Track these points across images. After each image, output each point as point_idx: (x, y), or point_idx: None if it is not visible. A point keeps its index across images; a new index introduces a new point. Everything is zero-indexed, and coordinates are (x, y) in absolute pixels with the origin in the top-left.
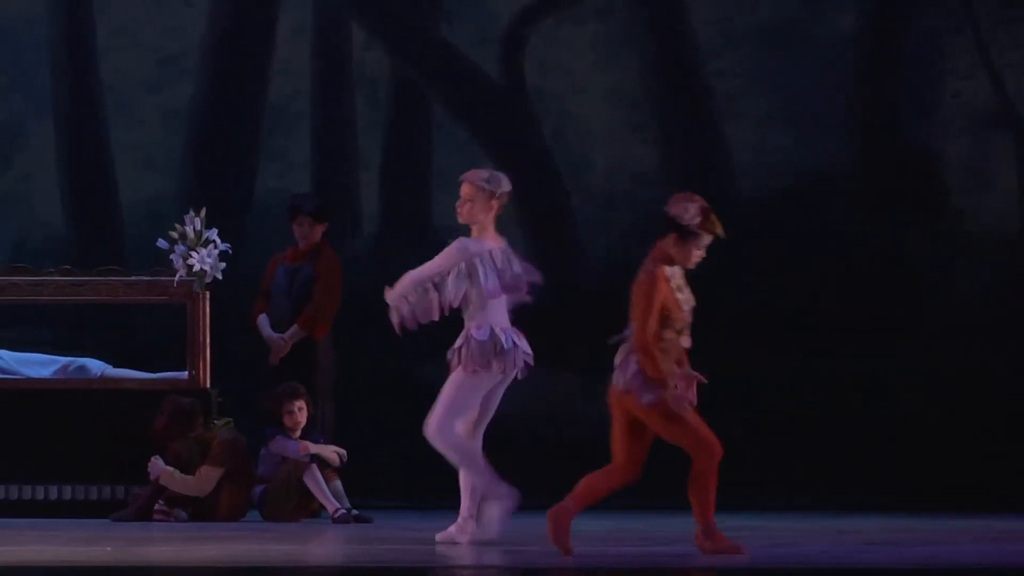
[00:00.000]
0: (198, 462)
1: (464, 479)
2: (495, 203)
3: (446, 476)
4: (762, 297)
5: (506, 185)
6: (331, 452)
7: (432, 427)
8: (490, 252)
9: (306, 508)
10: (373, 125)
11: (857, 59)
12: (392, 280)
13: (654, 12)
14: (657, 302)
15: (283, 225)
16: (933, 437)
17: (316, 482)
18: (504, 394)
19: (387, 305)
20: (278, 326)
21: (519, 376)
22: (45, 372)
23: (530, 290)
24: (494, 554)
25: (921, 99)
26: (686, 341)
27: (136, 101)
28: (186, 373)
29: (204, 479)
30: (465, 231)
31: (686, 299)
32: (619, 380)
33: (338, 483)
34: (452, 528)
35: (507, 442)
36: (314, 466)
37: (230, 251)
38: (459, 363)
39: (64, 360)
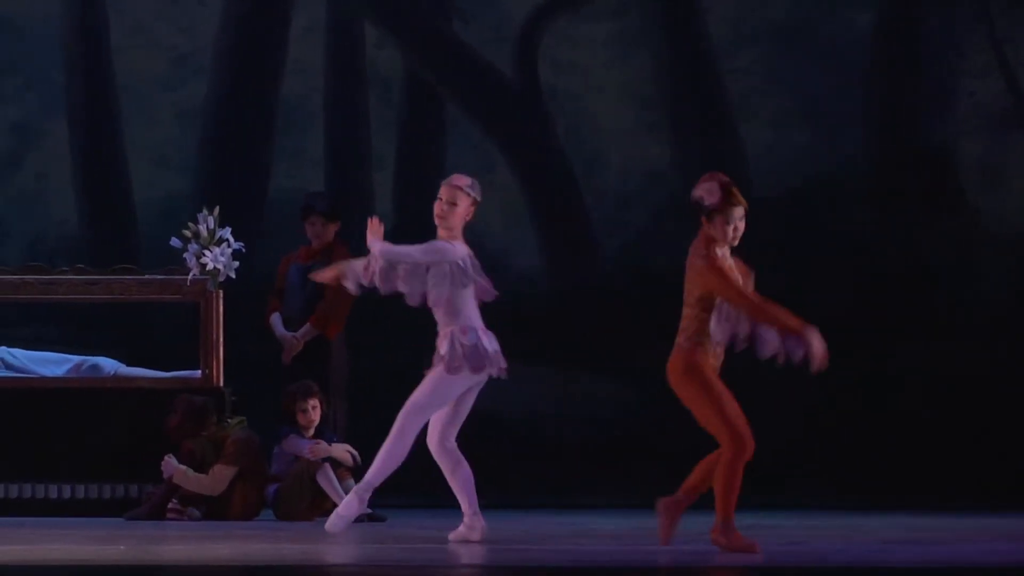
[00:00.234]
0: (211, 461)
1: (452, 480)
2: (472, 209)
3: None
4: (777, 296)
5: (480, 194)
6: (344, 451)
7: (400, 417)
8: (468, 257)
9: (319, 507)
10: (386, 124)
11: (872, 58)
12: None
13: (668, 11)
14: (728, 276)
15: (296, 224)
16: (950, 436)
17: (329, 481)
18: (517, 394)
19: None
20: (291, 325)
21: (498, 377)
22: (58, 371)
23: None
24: (506, 553)
25: (936, 98)
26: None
27: (150, 100)
28: (199, 372)
29: (217, 478)
30: (430, 233)
31: (737, 280)
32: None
33: (351, 482)
34: (462, 528)
35: (518, 441)
36: (327, 465)
37: (243, 250)
38: (445, 364)
39: (77, 359)
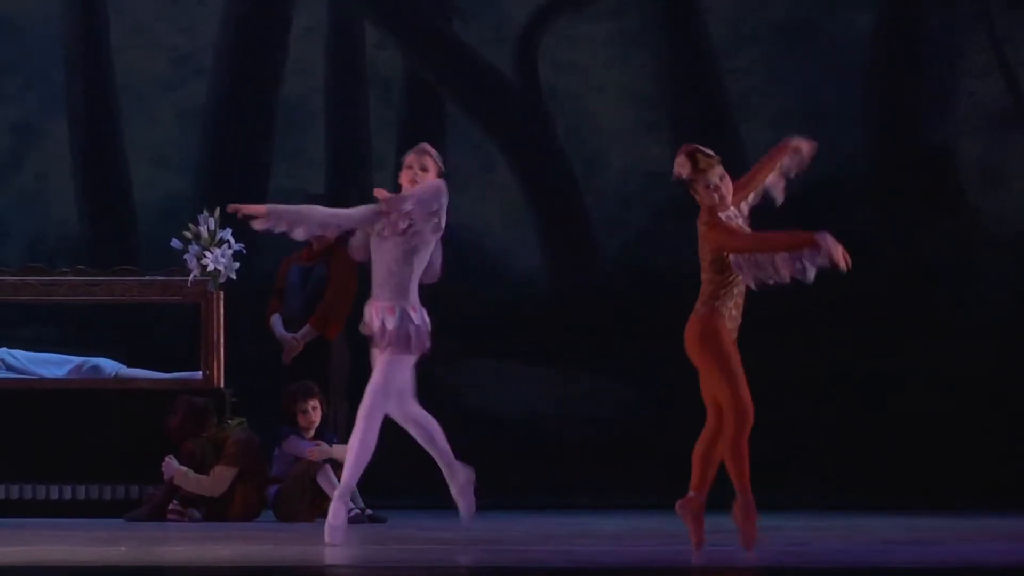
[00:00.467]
0: (212, 462)
1: (432, 445)
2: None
3: None
4: (776, 296)
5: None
6: (344, 452)
7: (365, 409)
8: None
9: (320, 508)
10: (387, 124)
11: (872, 58)
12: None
13: (668, 11)
14: (726, 227)
15: None
16: (950, 436)
17: (330, 482)
18: (517, 394)
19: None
20: (291, 326)
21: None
22: (59, 372)
23: None
24: (506, 553)
25: (937, 98)
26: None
27: (151, 100)
28: (200, 373)
29: (218, 479)
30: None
31: (738, 230)
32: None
33: None
34: (454, 486)
35: (518, 441)
36: (327, 466)
37: (244, 251)
38: (400, 345)
39: (78, 360)
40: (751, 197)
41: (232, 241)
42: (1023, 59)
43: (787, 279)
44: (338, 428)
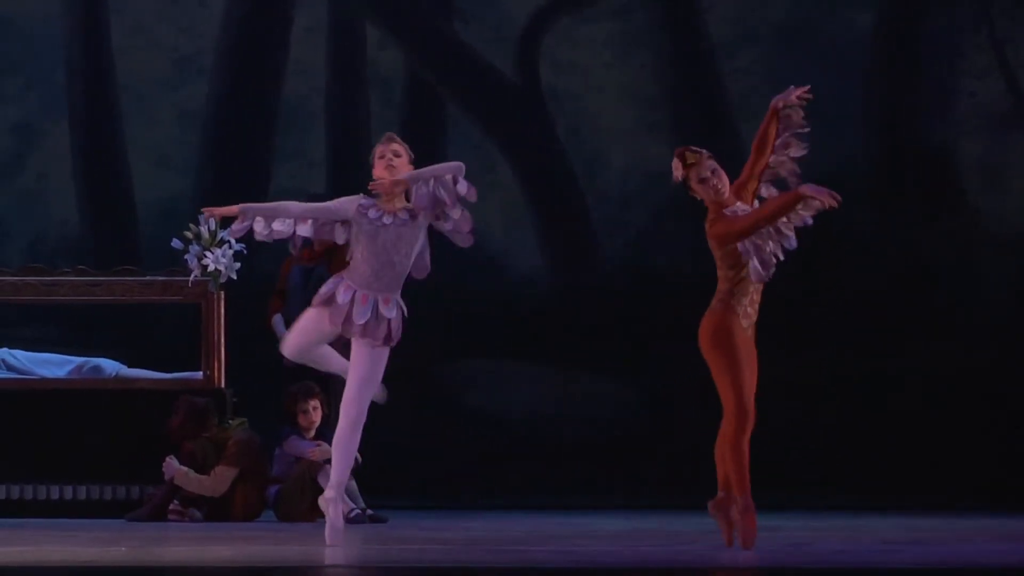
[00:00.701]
0: (212, 462)
1: (328, 363)
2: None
3: (460, 476)
4: (777, 295)
5: None
6: None
7: (354, 403)
8: None
9: (321, 508)
10: (388, 124)
11: (873, 58)
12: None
13: (669, 11)
14: (726, 219)
15: None
16: (950, 436)
17: None
18: (517, 394)
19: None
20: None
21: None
22: (60, 372)
23: None
24: (506, 553)
25: (937, 98)
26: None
27: (151, 101)
28: (201, 373)
29: (219, 479)
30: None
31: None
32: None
33: (353, 483)
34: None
35: (518, 441)
36: (328, 466)
37: (245, 251)
38: (391, 341)
39: (79, 360)
40: (761, 188)
41: (233, 241)
42: (1023, 60)
43: (794, 244)
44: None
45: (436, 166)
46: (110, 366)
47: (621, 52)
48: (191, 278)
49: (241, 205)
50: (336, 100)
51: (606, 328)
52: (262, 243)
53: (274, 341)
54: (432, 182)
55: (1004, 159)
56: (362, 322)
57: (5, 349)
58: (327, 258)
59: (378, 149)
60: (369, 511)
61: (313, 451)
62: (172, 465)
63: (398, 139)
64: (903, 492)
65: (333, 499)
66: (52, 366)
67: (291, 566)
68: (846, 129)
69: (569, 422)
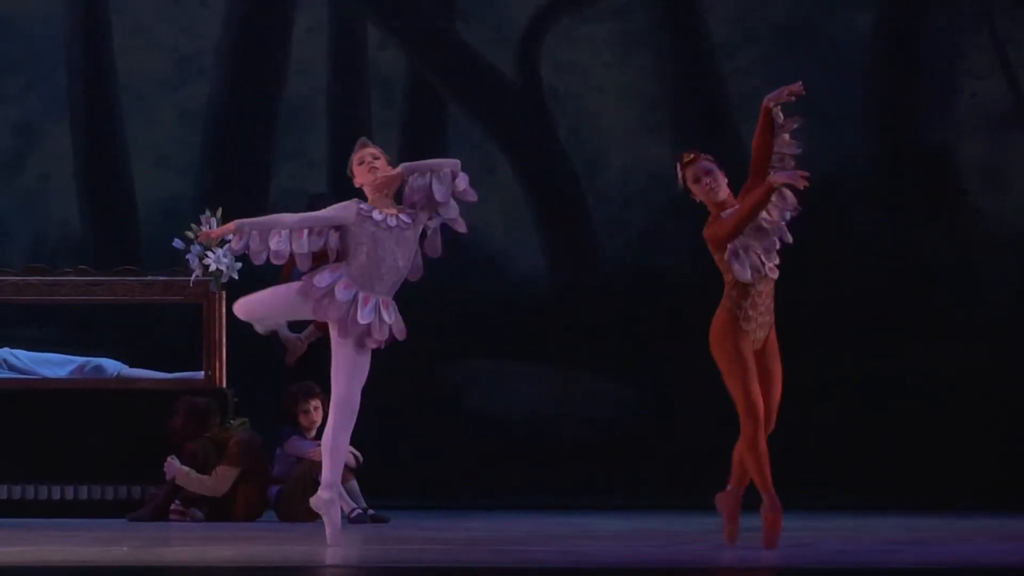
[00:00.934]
0: (214, 462)
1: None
2: None
3: (461, 476)
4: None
5: None
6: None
7: (346, 402)
8: None
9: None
10: (388, 125)
11: (873, 58)
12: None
13: (670, 11)
14: (715, 223)
15: None
16: (953, 436)
17: None
18: (517, 394)
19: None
20: (295, 326)
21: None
22: (61, 372)
23: None
24: (506, 553)
25: (937, 98)
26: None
27: (152, 101)
28: (202, 373)
29: (220, 479)
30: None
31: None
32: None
33: (354, 483)
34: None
35: (518, 441)
36: None
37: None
38: (392, 341)
39: (80, 360)
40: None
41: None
42: None
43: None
44: None
45: (433, 160)
46: (111, 366)
47: (622, 52)
48: (192, 278)
49: (236, 221)
50: (337, 100)
51: (606, 328)
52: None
53: (276, 341)
54: (428, 175)
55: (1004, 159)
56: (366, 323)
57: (7, 349)
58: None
59: (356, 156)
60: (371, 511)
61: (314, 451)
62: (173, 465)
63: (369, 142)
64: (903, 492)
65: (331, 499)
66: (53, 366)
67: (292, 566)
68: (846, 129)
69: (569, 422)
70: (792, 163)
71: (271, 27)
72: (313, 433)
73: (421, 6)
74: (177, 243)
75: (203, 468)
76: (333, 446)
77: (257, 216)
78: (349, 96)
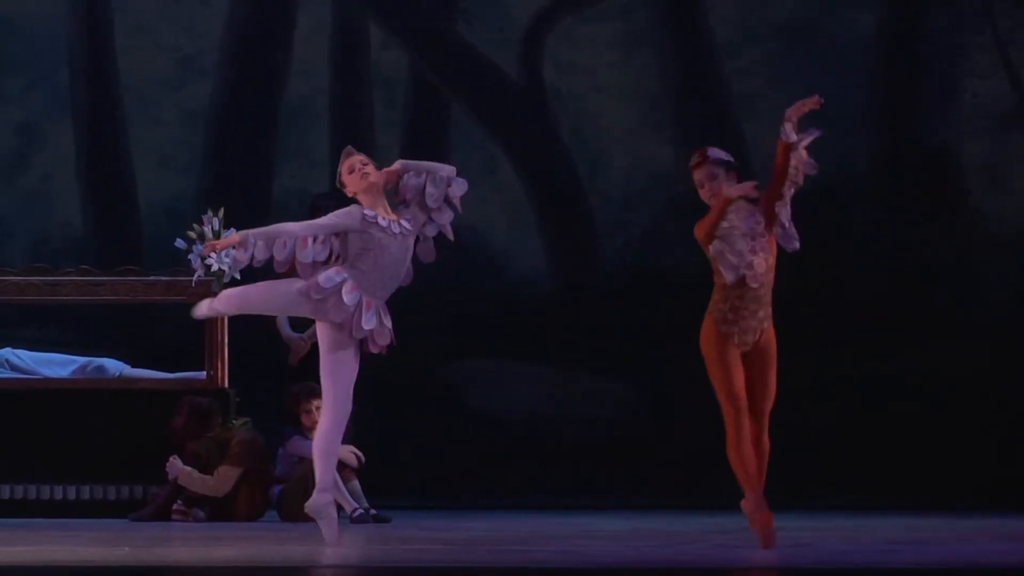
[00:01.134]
0: (216, 462)
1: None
2: None
3: (461, 476)
4: (779, 296)
5: None
6: (348, 452)
7: (343, 403)
8: None
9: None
10: (391, 124)
11: (875, 58)
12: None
13: (672, 11)
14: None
15: None
16: (953, 436)
17: (334, 482)
18: (517, 394)
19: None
20: (297, 325)
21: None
22: (63, 372)
23: None
24: (507, 553)
25: (939, 98)
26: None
27: (155, 101)
28: (204, 373)
29: (222, 479)
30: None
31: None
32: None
33: (356, 483)
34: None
35: (519, 441)
36: None
37: None
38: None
39: (82, 360)
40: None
41: None
42: None
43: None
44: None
45: (430, 163)
46: (113, 366)
47: (624, 52)
48: (194, 278)
49: (241, 233)
50: (339, 100)
51: (607, 328)
52: None
53: (278, 341)
54: (424, 175)
55: (1006, 159)
56: (371, 328)
57: (9, 349)
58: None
59: (344, 165)
60: (372, 511)
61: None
62: (176, 465)
63: (355, 150)
64: (903, 492)
65: (327, 502)
66: (56, 366)
67: (294, 566)
68: (848, 129)
69: (570, 422)
70: (800, 183)
71: (273, 27)
72: (315, 433)
73: (423, 6)
74: (179, 243)
75: (205, 468)
76: (325, 449)
77: (260, 221)
78: (351, 96)
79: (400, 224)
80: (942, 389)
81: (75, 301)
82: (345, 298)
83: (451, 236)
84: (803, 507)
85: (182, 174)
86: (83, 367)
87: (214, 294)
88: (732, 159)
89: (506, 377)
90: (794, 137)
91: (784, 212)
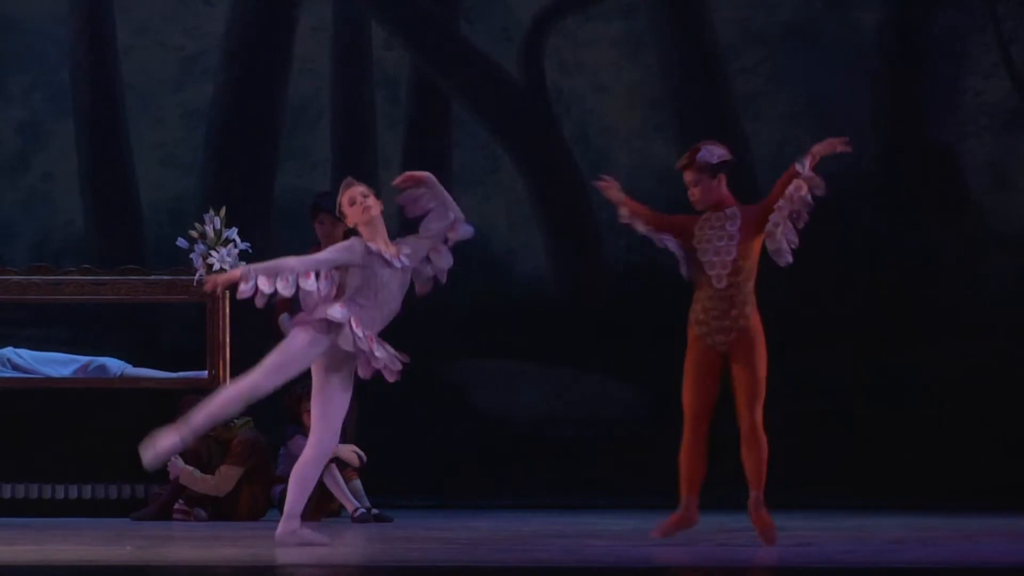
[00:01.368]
0: (217, 461)
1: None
2: None
3: (464, 475)
4: (784, 295)
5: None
6: (350, 452)
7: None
8: None
9: (326, 507)
10: (393, 123)
11: (879, 58)
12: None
13: (675, 11)
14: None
15: (303, 224)
16: (957, 435)
17: (336, 481)
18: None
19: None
20: None
21: None
22: (65, 371)
23: None
24: (509, 553)
25: (943, 98)
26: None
27: (157, 100)
28: (206, 372)
29: (224, 478)
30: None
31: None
32: None
33: (358, 482)
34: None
35: (522, 441)
36: (333, 466)
37: (250, 250)
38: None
39: (84, 359)
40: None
41: (238, 240)
42: None
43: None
44: (345, 428)
45: (451, 200)
46: (115, 365)
47: (627, 52)
48: (196, 277)
49: (242, 268)
50: (341, 99)
51: (610, 328)
52: (267, 241)
53: (280, 340)
54: (436, 203)
55: (1009, 158)
56: (384, 359)
57: (11, 348)
58: None
59: (344, 196)
60: (374, 510)
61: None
62: (177, 464)
63: (355, 180)
64: (906, 491)
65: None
66: (57, 365)
67: (296, 564)
68: (851, 128)
69: (573, 422)
70: (789, 213)
71: (275, 26)
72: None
73: (425, 5)
74: (181, 242)
75: (206, 467)
76: (302, 479)
77: (262, 221)
78: (353, 95)
79: (400, 259)
80: (945, 387)
81: (77, 300)
82: (357, 330)
83: (443, 279)
84: (804, 507)
85: (184, 173)
86: (85, 366)
87: (216, 293)
88: (726, 157)
89: (509, 377)
90: (808, 171)
91: (781, 228)
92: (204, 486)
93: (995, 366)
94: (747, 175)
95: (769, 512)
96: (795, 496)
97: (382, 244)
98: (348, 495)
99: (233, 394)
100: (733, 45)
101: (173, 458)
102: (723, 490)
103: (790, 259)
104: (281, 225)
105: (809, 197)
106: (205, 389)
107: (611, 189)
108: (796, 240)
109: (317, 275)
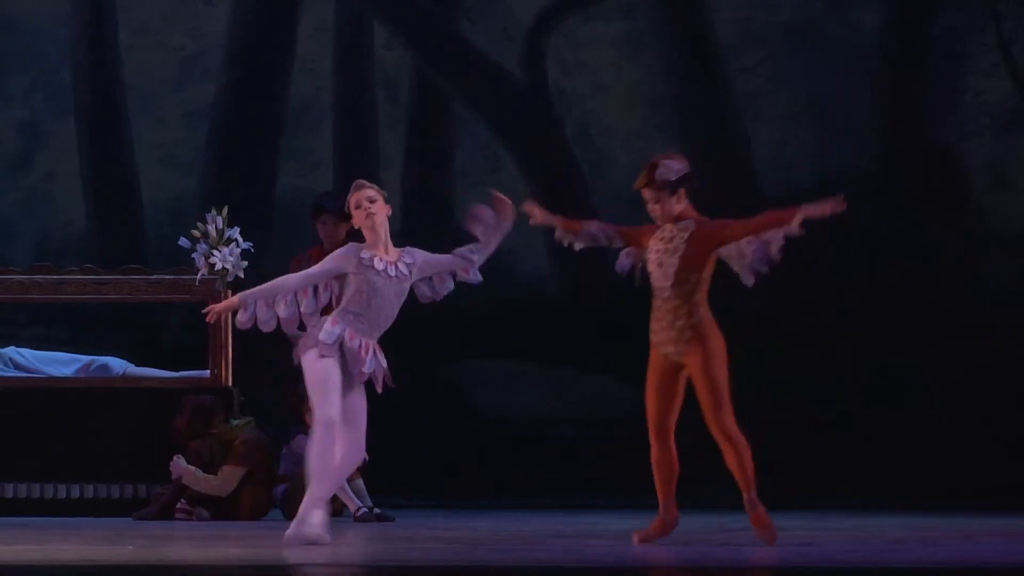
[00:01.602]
0: (219, 461)
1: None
2: None
3: (465, 475)
4: (785, 295)
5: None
6: None
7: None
8: None
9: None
10: (395, 124)
11: (880, 58)
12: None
13: (675, 11)
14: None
15: (305, 223)
16: (957, 435)
17: None
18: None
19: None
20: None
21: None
22: (67, 371)
23: None
24: (509, 553)
25: (944, 98)
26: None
27: (158, 100)
28: (208, 372)
29: (226, 478)
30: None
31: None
32: None
33: (360, 482)
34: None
35: (522, 441)
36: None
37: (252, 249)
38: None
39: (86, 359)
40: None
41: (240, 239)
42: None
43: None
44: None
45: (493, 248)
46: (117, 365)
47: (628, 52)
48: (198, 276)
49: (240, 295)
50: (342, 99)
51: (611, 328)
52: (268, 240)
53: (281, 339)
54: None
55: (1009, 158)
56: (372, 371)
57: (13, 348)
58: None
59: (352, 198)
60: (376, 510)
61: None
62: (179, 464)
63: (366, 183)
64: (906, 491)
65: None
66: (59, 365)
67: (298, 564)
68: (853, 129)
69: (573, 422)
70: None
71: (276, 26)
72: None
73: (426, 5)
74: (183, 242)
75: (208, 467)
76: (321, 466)
77: (263, 220)
78: (355, 95)
79: (397, 267)
80: (945, 387)
81: (78, 300)
82: (348, 343)
83: (439, 299)
84: (804, 507)
85: (185, 173)
86: (87, 366)
87: (218, 292)
88: (684, 171)
89: (509, 377)
90: (795, 231)
91: (751, 248)
92: (206, 486)
93: (995, 366)
94: (748, 176)
95: (768, 512)
96: (795, 496)
97: (381, 250)
98: (350, 494)
99: (319, 449)
100: (733, 45)
101: (176, 458)
102: (723, 490)
103: (752, 282)
104: (282, 225)
105: (778, 249)
106: (207, 389)
107: (534, 212)
108: (766, 268)
109: (315, 290)
